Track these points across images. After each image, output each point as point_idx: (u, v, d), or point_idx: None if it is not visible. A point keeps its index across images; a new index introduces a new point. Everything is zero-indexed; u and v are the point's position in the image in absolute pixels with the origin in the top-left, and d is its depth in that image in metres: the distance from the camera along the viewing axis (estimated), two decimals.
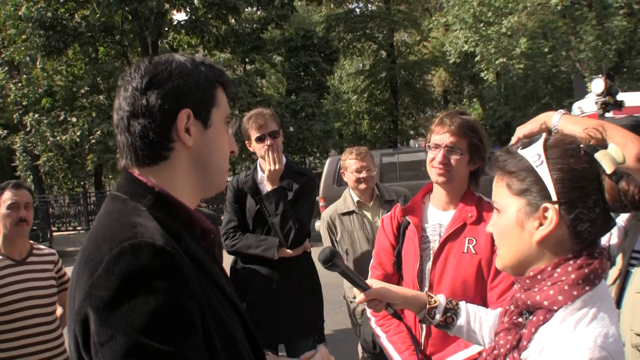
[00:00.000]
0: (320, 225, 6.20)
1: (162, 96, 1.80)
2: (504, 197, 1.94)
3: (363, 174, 5.71)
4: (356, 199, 5.85)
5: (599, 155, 1.81)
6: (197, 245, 1.85)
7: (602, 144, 1.86)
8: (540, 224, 1.83)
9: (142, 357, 1.50)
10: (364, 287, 2.65)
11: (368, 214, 5.80)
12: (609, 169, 1.78)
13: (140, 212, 1.75)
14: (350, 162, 5.79)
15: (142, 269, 1.55)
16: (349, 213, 5.82)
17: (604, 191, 1.79)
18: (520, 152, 1.92)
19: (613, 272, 3.53)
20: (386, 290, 2.67)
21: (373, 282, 2.70)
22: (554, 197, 1.80)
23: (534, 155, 1.87)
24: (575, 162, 1.81)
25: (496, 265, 2.06)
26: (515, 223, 1.89)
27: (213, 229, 1.95)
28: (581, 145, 1.85)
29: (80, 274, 1.65)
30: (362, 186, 5.73)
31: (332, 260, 2.60)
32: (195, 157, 1.89)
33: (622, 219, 3.79)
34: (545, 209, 1.81)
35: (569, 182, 1.80)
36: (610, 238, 3.83)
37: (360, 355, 5.58)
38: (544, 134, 1.95)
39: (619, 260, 3.51)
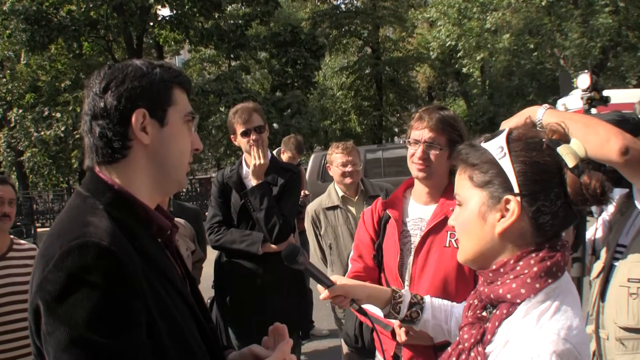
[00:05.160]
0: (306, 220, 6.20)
1: (117, 98, 1.91)
2: (466, 189, 1.94)
3: (348, 168, 5.73)
4: (341, 193, 5.88)
5: (561, 149, 1.83)
6: (152, 242, 1.98)
7: (565, 139, 1.88)
8: (502, 216, 1.84)
9: (82, 348, 1.62)
10: (328, 284, 2.63)
11: (352, 209, 5.83)
12: (571, 162, 1.80)
13: (95, 211, 1.85)
14: (336, 156, 5.81)
15: (86, 267, 1.66)
16: (334, 208, 5.85)
17: (566, 185, 1.80)
18: (484, 145, 1.92)
19: (597, 266, 3.53)
20: (350, 287, 2.67)
21: (337, 278, 2.69)
22: (516, 189, 1.81)
23: (497, 148, 1.88)
24: (538, 155, 1.83)
25: (458, 259, 2.05)
26: (477, 215, 1.90)
27: (168, 225, 2.06)
28: (544, 139, 1.87)
29: (36, 267, 1.77)
30: (348, 180, 5.75)
31: (294, 257, 2.56)
32: (152, 155, 1.98)
33: (607, 213, 3.80)
34: (507, 201, 1.82)
35: (531, 174, 1.81)
36: (596, 232, 3.84)
37: (344, 350, 5.58)
38: (507, 128, 1.95)
39: (604, 253, 3.52)
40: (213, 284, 5.37)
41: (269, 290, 5.01)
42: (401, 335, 3.26)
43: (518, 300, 1.80)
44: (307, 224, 6.05)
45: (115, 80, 1.92)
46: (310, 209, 6.05)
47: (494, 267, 1.89)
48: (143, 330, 1.71)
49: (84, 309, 1.61)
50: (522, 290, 1.79)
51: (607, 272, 3.37)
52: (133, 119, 1.90)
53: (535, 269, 1.80)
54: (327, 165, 6.04)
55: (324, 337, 9.18)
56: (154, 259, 1.89)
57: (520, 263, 1.83)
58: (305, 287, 5.39)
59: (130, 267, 1.72)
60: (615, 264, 3.33)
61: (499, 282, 1.86)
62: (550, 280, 1.80)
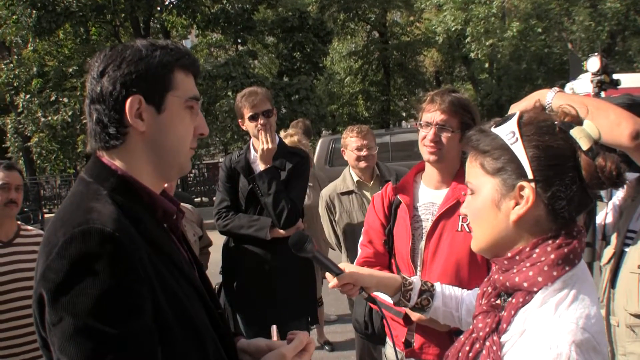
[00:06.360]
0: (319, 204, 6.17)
1: (112, 83, 1.87)
2: (478, 177, 1.90)
3: (364, 152, 5.67)
4: (356, 178, 5.82)
5: (574, 132, 1.78)
6: (157, 227, 1.95)
7: (577, 121, 1.83)
8: (517, 204, 1.80)
9: (87, 337, 1.59)
10: (336, 272, 2.60)
11: (368, 194, 5.75)
12: (584, 145, 1.75)
13: (99, 197, 1.82)
14: (351, 140, 5.75)
15: (90, 254, 1.63)
16: (349, 193, 5.80)
17: (581, 168, 1.75)
18: (494, 130, 1.87)
19: (608, 252, 3.51)
20: (359, 275, 2.63)
21: (346, 266, 2.65)
22: (530, 175, 1.76)
23: (508, 133, 1.83)
24: (551, 139, 1.78)
25: (471, 248, 2.02)
26: (491, 203, 1.86)
27: (174, 210, 2.02)
28: (556, 122, 1.82)
29: (40, 255, 1.76)
30: (363, 164, 5.69)
31: (302, 245, 2.54)
32: (149, 142, 1.94)
33: (617, 198, 3.78)
34: (522, 188, 1.77)
35: (544, 159, 1.76)
36: (606, 217, 3.82)
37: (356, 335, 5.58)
38: (517, 112, 1.90)
39: (614, 239, 3.50)
40: (221, 269, 5.37)
41: (277, 275, 5.00)
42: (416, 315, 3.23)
43: (535, 289, 1.76)
44: (322, 209, 6.01)
45: (112, 64, 1.88)
46: (324, 193, 6.01)
47: (509, 255, 1.85)
48: (149, 316, 1.69)
49: (89, 297, 1.59)
50: (539, 279, 1.76)
51: (618, 258, 3.35)
52: (127, 105, 1.86)
53: (552, 256, 1.76)
54: (342, 149, 5.97)
55: (332, 323, 9.20)
56: (160, 244, 1.87)
57: (537, 250, 1.79)
58: (314, 272, 5.37)
59: (135, 253, 1.69)
60: (626, 250, 3.31)
61: (514, 270, 1.82)
62: (567, 268, 1.77)
